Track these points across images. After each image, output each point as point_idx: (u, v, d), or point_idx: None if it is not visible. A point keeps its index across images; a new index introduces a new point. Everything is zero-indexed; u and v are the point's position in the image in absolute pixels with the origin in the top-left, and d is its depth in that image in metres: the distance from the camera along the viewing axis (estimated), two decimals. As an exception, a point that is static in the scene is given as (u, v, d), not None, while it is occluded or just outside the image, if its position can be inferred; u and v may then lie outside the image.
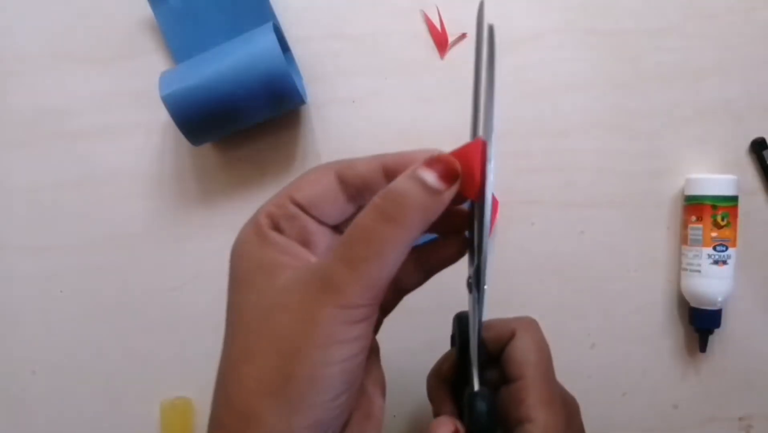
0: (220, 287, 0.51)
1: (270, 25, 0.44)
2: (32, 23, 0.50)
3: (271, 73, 0.43)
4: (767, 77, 0.49)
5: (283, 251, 0.26)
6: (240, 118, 0.45)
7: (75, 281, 0.49)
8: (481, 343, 0.30)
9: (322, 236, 0.28)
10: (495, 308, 0.48)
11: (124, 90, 0.49)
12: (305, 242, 0.27)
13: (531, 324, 0.33)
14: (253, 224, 0.27)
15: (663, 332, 0.50)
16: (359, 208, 0.28)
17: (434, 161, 0.25)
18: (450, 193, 0.25)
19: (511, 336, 0.32)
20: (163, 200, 0.49)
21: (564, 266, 0.49)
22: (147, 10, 0.48)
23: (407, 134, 0.49)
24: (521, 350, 0.31)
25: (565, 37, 0.49)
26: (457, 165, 0.25)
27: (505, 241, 0.48)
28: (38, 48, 0.50)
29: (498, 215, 0.48)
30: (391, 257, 0.24)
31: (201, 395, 0.48)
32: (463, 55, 0.49)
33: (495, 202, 0.49)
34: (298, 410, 0.23)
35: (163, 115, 0.47)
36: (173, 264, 0.49)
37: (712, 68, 0.49)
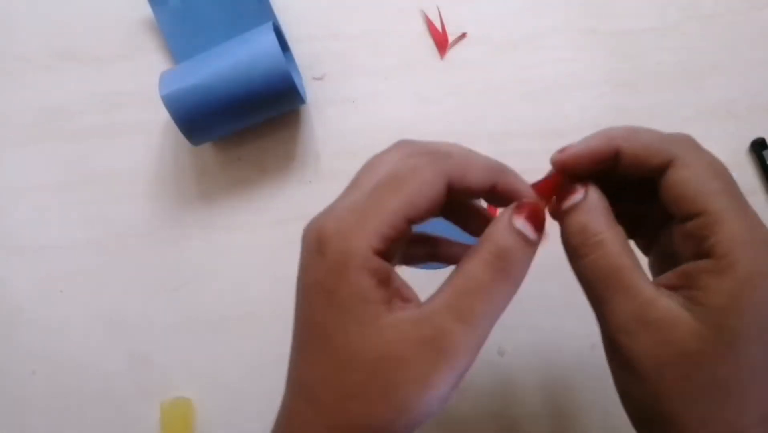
0: (220, 287, 0.51)
1: (270, 24, 0.44)
2: (32, 23, 0.50)
3: (271, 73, 0.43)
4: (767, 77, 0.49)
5: (384, 282, 0.24)
6: (240, 118, 0.45)
7: (75, 281, 0.49)
8: None
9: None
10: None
11: (124, 90, 0.49)
12: (402, 264, 0.27)
13: (694, 145, 0.26)
14: (361, 241, 0.24)
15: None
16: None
17: (527, 209, 0.25)
18: (540, 241, 0.26)
19: (667, 164, 0.25)
20: (163, 200, 0.49)
21: (564, 265, 0.49)
22: (147, 10, 0.48)
23: (407, 134, 0.49)
24: (693, 180, 0.24)
25: (565, 37, 0.49)
26: (543, 210, 0.26)
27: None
28: (38, 48, 0.50)
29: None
30: (501, 313, 0.25)
31: (201, 395, 0.48)
32: (463, 55, 0.49)
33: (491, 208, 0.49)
34: None
35: (162, 115, 0.47)
36: (173, 264, 0.49)
37: (712, 68, 0.49)
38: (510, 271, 0.24)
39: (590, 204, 0.26)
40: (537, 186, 0.28)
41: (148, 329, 0.49)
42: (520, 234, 0.25)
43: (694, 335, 0.23)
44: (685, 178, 0.25)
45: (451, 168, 0.26)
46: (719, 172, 0.25)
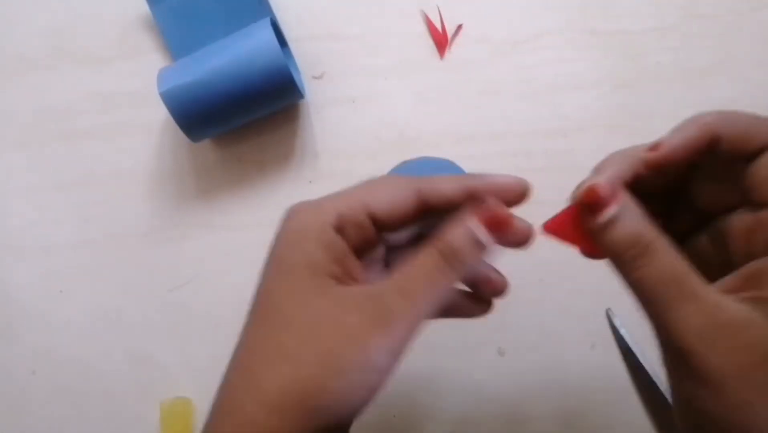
0: (220, 286, 0.51)
1: (267, 20, 0.44)
2: (32, 23, 0.50)
3: (269, 68, 0.43)
4: (767, 77, 0.49)
5: (339, 260, 0.26)
6: (239, 114, 0.45)
7: (75, 281, 0.49)
8: None
9: (377, 249, 0.29)
10: (494, 309, 0.48)
11: (123, 90, 0.49)
12: (361, 252, 0.28)
13: None
14: (319, 216, 0.27)
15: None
16: (424, 229, 0.30)
17: (486, 214, 0.26)
18: (493, 245, 0.26)
19: (763, 148, 0.24)
20: (162, 200, 0.49)
21: (564, 266, 0.49)
22: (144, 8, 0.48)
23: (407, 134, 0.49)
24: None
25: (565, 37, 0.49)
26: (506, 217, 0.27)
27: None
28: (38, 48, 0.50)
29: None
30: (442, 298, 0.26)
31: (201, 395, 0.48)
32: (463, 55, 0.49)
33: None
34: (321, 418, 0.24)
35: (162, 114, 0.47)
36: (173, 264, 0.49)
37: (712, 68, 0.49)
38: (455, 266, 0.26)
39: (633, 213, 0.24)
40: (554, 223, 0.27)
41: (148, 328, 0.49)
42: (472, 236, 0.26)
43: None
44: None
45: (422, 180, 0.28)
46: None
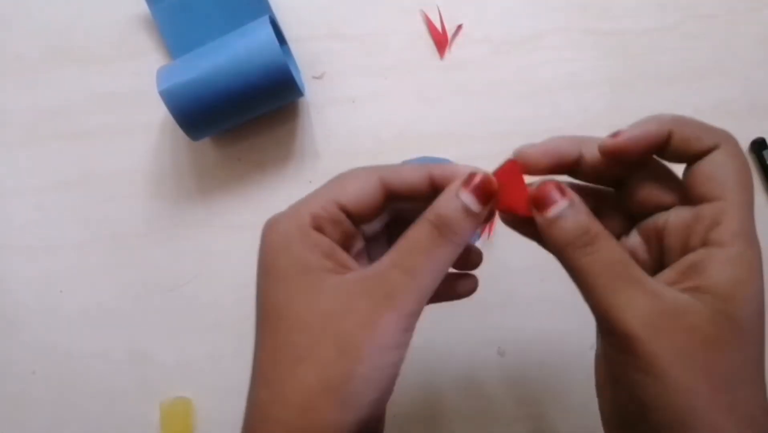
0: (220, 286, 0.51)
1: (266, 18, 0.45)
2: (31, 23, 0.50)
3: (269, 65, 0.43)
4: (767, 77, 0.49)
5: (328, 254, 0.27)
6: (238, 111, 0.45)
7: (75, 281, 0.49)
8: None
9: (358, 241, 0.29)
10: (494, 309, 0.48)
11: (123, 89, 0.49)
12: (346, 247, 0.28)
13: (734, 141, 0.27)
14: (296, 221, 0.27)
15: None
16: (392, 217, 0.31)
17: (474, 183, 0.27)
18: (485, 213, 0.27)
19: (712, 148, 0.26)
20: (162, 200, 0.49)
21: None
22: (142, 7, 0.48)
23: (407, 134, 0.49)
24: (724, 167, 0.26)
25: (565, 37, 0.49)
26: (495, 185, 0.27)
27: (505, 240, 0.48)
28: (37, 48, 0.50)
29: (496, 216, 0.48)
30: (443, 269, 0.26)
31: (201, 395, 0.48)
32: (463, 55, 0.49)
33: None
34: (354, 407, 0.25)
35: (161, 113, 0.47)
36: (173, 264, 0.49)
37: (712, 68, 0.49)
38: (450, 237, 0.26)
39: (581, 207, 0.26)
40: (496, 174, 0.28)
41: (147, 328, 0.49)
42: (463, 204, 0.26)
43: (709, 322, 0.23)
44: (722, 163, 0.25)
45: (385, 169, 0.28)
46: (748, 171, 0.26)
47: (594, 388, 0.31)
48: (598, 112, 0.49)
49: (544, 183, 0.27)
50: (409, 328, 0.26)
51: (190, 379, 0.48)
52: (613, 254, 0.25)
